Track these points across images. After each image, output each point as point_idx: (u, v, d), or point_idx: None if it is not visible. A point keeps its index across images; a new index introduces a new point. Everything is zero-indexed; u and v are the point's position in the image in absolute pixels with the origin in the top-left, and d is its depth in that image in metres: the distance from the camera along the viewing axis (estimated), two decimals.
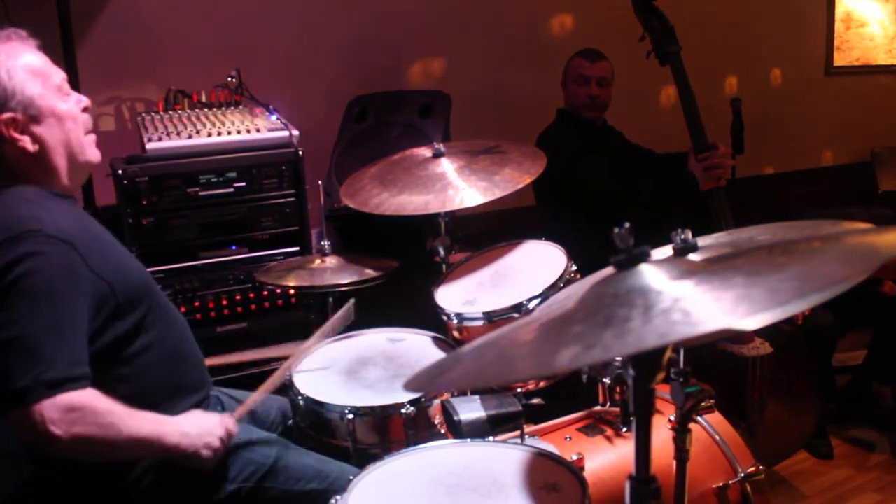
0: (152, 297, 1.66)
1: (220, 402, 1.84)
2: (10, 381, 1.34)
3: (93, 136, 1.70)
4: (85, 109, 1.68)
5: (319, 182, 2.56)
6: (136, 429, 1.45)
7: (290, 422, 1.98)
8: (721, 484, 1.76)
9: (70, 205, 1.64)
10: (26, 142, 1.56)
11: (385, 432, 1.83)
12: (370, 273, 2.26)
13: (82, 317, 1.45)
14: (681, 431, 1.33)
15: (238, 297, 2.63)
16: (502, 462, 1.50)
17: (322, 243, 2.37)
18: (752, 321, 0.78)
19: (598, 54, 3.18)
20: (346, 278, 2.23)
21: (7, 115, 1.53)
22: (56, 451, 1.38)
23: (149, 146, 2.51)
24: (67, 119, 1.62)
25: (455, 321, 2.00)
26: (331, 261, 2.34)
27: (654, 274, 0.94)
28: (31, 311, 1.39)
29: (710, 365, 2.86)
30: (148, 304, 1.63)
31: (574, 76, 3.18)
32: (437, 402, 1.85)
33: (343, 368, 2.03)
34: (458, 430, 1.68)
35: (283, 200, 2.69)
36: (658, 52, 3.01)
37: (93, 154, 1.69)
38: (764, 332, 2.84)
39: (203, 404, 1.74)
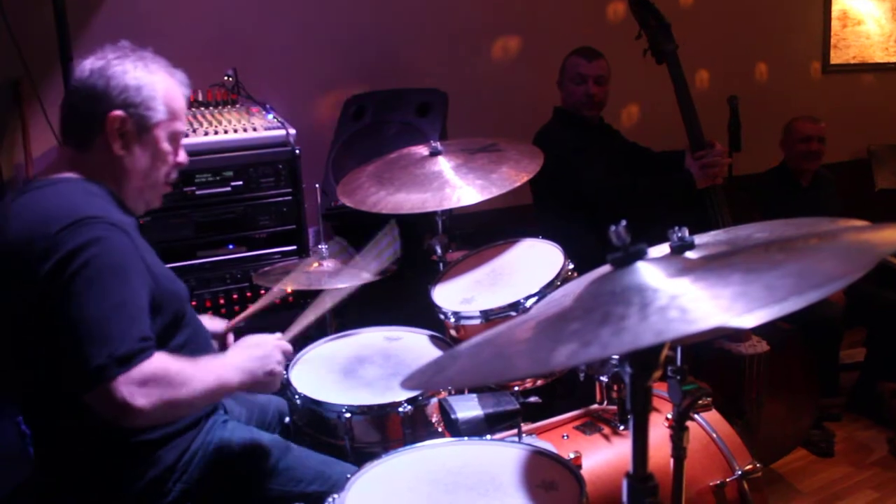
0: (184, 305, 1.71)
1: (223, 407, 1.85)
2: (85, 361, 1.37)
3: (168, 189, 1.77)
4: (177, 165, 1.75)
5: (317, 185, 2.56)
6: (206, 380, 1.51)
7: (287, 420, 1.98)
8: (718, 482, 1.77)
9: (124, 213, 1.67)
10: (117, 145, 1.62)
11: (383, 431, 1.83)
12: (368, 277, 2.25)
13: (144, 298, 1.51)
14: (678, 429, 1.33)
15: (235, 297, 2.63)
16: (500, 460, 1.50)
17: (320, 246, 2.37)
18: (750, 318, 0.78)
19: (596, 53, 3.18)
20: (343, 282, 2.22)
21: (121, 113, 1.60)
22: (141, 421, 1.43)
23: None
24: (160, 157, 1.69)
25: (452, 320, 2.00)
26: (328, 264, 2.33)
27: (650, 271, 0.94)
28: (101, 294, 1.42)
29: (708, 363, 2.87)
30: (182, 310, 1.68)
31: (571, 75, 3.18)
32: (434, 400, 1.86)
33: (340, 367, 2.03)
34: (455, 429, 1.68)
35: (280, 199, 2.69)
36: (654, 51, 3.01)
37: (156, 201, 1.77)
38: (761, 330, 2.84)
39: (214, 413, 1.76)
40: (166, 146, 1.69)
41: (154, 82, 1.64)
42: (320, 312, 1.94)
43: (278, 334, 1.76)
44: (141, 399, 1.38)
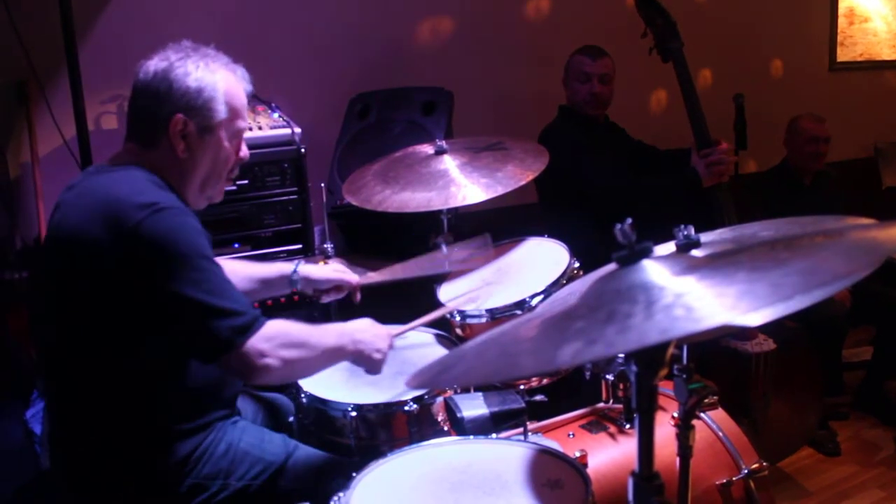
0: None
1: (237, 409, 1.86)
2: (210, 338, 1.48)
3: (229, 184, 1.82)
4: (238, 161, 1.79)
5: (322, 184, 2.56)
6: (325, 341, 1.65)
7: (291, 419, 1.98)
8: (724, 480, 1.76)
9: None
10: (179, 147, 1.65)
11: (388, 429, 1.83)
12: (373, 276, 2.25)
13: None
14: (684, 428, 1.32)
15: None
16: (505, 459, 1.50)
17: (325, 245, 2.37)
18: (755, 317, 0.77)
19: (600, 51, 3.18)
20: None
21: (183, 116, 1.63)
22: (270, 379, 1.55)
23: None
24: (222, 156, 1.72)
25: (458, 318, 2.00)
26: (333, 262, 2.33)
27: (656, 270, 0.93)
28: (201, 273, 1.50)
29: (714, 361, 2.86)
30: None
31: (576, 73, 3.18)
32: (440, 399, 1.86)
33: (346, 365, 2.02)
34: (461, 427, 1.68)
35: (285, 198, 2.69)
36: (660, 49, 3.00)
37: (218, 196, 1.80)
38: (767, 329, 2.83)
39: (228, 418, 1.77)
40: (228, 144, 1.71)
41: (215, 82, 1.66)
42: (431, 319, 1.99)
43: (392, 327, 1.85)
44: (268, 359, 1.50)
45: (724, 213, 2.87)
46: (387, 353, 1.77)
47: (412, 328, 1.96)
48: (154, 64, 1.65)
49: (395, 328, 1.87)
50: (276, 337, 1.53)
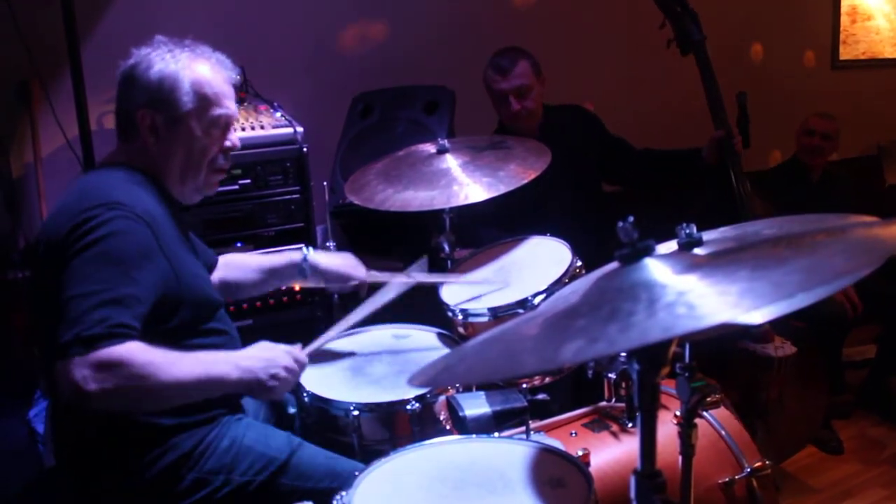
0: (209, 311, 1.73)
1: (241, 406, 1.86)
2: (58, 335, 1.41)
3: (219, 176, 1.81)
4: (224, 150, 1.77)
5: (325, 184, 2.56)
6: (183, 373, 1.49)
7: (293, 410, 1.98)
8: (727, 479, 1.76)
9: (166, 208, 1.70)
10: (150, 142, 1.68)
11: (391, 428, 1.83)
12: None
13: (144, 292, 1.51)
14: (686, 426, 1.32)
15: None
16: (508, 457, 1.49)
17: (327, 244, 2.37)
18: (757, 314, 0.77)
19: (511, 59, 2.84)
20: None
21: (148, 110, 1.67)
22: (94, 404, 1.42)
23: None
24: (197, 146, 1.71)
25: (460, 317, 2.00)
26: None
27: (658, 268, 0.93)
28: (92, 276, 1.46)
29: (731, 364, 2.84)
30: (207, 315, 1.71)
31: (492, 92, 2.89)
32: (442, 398, 1.86)
33: (348, 365, 2.03)
34: (463, 426, 1.68)
35: (288, 197, 2.69)
36: (680, 41, 2.91)
37: (208, 187, 1.80)
38: (774, 329, 2.82)
39: (233, 414, 1.77)
40: (201, 134, 1.70)
41: (177, 72, 1.67)
42: (343, 328, 1.93)
43: (298, 345, 1.75)
44: (92, 384, 1.38)
45: (741, 184, 2.86)
46: (288, 379, 1.63)
47: (326, 341, 1.83)
48: (124, 63, 1.70)
49: (304, 347, 1.73)
50: (113, 362, 1.40)
